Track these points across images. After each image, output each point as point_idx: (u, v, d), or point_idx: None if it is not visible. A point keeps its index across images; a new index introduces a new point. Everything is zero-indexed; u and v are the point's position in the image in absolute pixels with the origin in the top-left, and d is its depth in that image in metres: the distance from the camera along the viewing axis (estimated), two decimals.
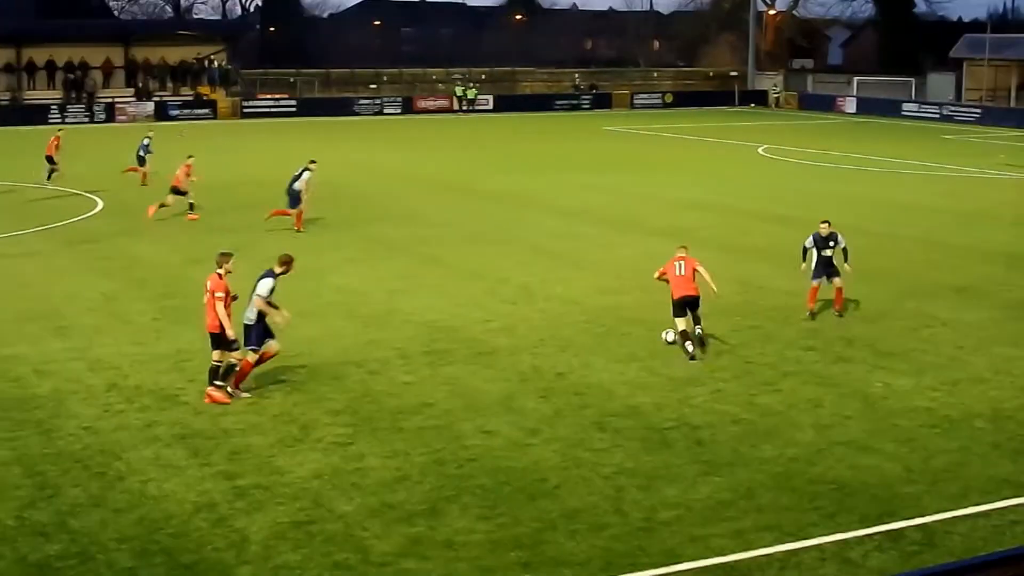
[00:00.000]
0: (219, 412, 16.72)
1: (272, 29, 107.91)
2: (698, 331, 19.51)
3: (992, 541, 12.63)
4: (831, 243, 21.90)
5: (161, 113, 70.11)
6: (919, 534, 12.88)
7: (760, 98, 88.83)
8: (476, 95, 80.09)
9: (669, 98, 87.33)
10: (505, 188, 40.40)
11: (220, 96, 73.96)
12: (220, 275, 17.19)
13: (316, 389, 17.79)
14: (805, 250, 22.19)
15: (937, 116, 77.32)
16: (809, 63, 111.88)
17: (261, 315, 17.38)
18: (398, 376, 18.54)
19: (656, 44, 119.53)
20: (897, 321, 22.05)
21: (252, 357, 17.41)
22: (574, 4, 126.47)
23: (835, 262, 21.90)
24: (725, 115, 77.96)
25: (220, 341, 17.11)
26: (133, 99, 71.80)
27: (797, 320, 21.91)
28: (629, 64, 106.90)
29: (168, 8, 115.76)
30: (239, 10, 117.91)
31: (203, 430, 16.02)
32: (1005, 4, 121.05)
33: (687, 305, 19.42)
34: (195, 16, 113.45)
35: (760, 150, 54.05)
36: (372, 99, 79.56)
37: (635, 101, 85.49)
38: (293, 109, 75.35)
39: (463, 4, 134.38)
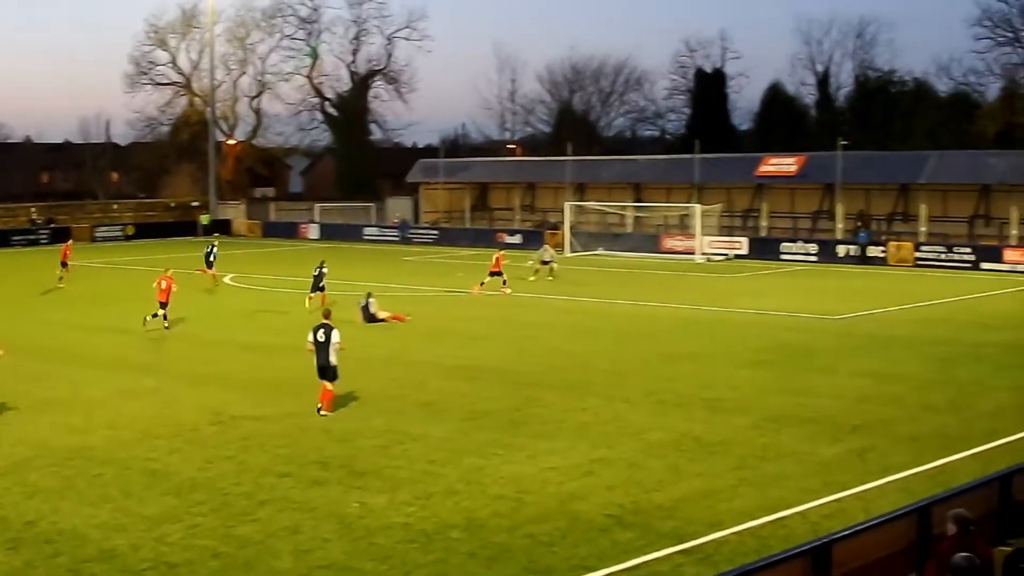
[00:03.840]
0: None
1: None
2: None
3: None
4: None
5: None
6: None
7: (224, 228, 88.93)
8: None
9: (131, 230, 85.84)
10: None
11: None
12: None
13: None
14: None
15: (397, 238, 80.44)
16: (271, 191, 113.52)
17: None
18: None
19: (115, 176, 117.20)
20: (369, 440, 22.40)
21: None
22: (28, 137, 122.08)
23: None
24: (189, 245, 77.33)
25: None
26: None
27: (272, 447, 21.81)
28: (88, 196, 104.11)
29: None
30: None
31: None
32: (456, 130, 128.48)
33: None
34: None
35: (227, 279, 53.93)
36: None
37: (96, 234, 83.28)
38: None
39: None
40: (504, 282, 47.25)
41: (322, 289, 42.34)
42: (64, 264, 50.56)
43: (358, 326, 36.93)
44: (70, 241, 54.24)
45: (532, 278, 52.08)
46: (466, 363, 30.87)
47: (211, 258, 49.67)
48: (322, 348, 24.53)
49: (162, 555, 16.04)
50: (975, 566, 9.26)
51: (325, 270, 43.26)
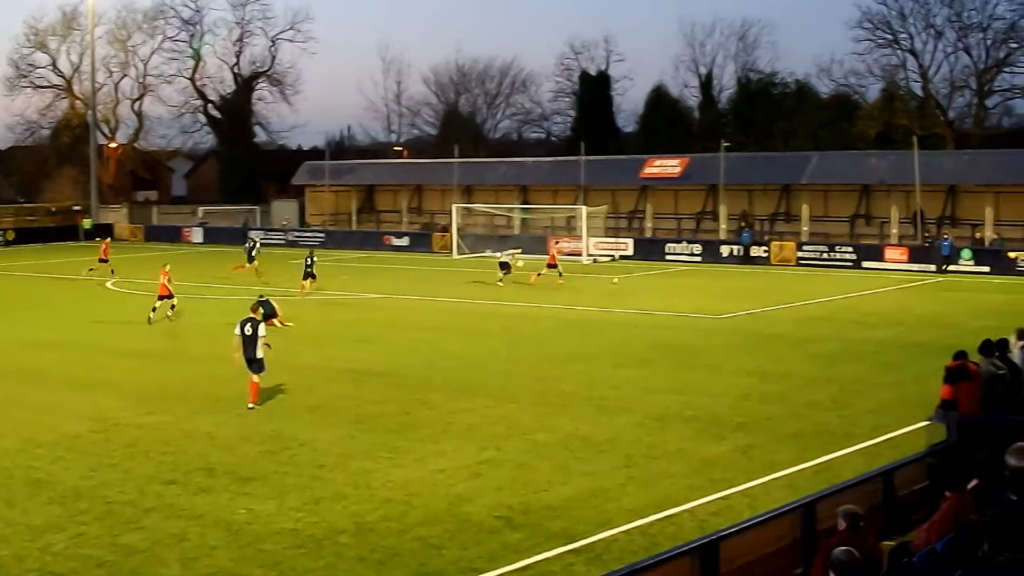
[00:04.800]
0: None
1: None
2: None
3: None
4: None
5: None
6: None
7: (106, 232, 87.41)
8: None
9: (11, 235, 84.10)
10: None
11: None
12: None
13: None
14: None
15: (283, 242, 79.78)
16: (153, 195, 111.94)
17: None
18: None
19: None
20: (256, 445, 22.17)
21: None
22: None
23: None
24: (71, 250, 75.98)
25: None
26: None
27: (157, 454, 21.50)
28: None
29: None
30: None
31: None
32: (342, 132, 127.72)
33: None
34: None
35: (109, 284, 53.06)
36: None
37: None
38: None
39: None
40: (560, 274, 51.91)
41: (313, 277, 47.45)
42: None
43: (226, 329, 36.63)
44: None
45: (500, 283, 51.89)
46: (353, 366, 30.71)
47: (253, 253, 52.81)
48: (249, 341, 25.47)
49: (47, 565, 15.73)
50: (854, 560, 9.40)
51: (315, 259, 48.87)
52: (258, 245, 54.21)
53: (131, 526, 17.37)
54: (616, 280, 53.70)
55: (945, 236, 60.90)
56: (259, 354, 25.46)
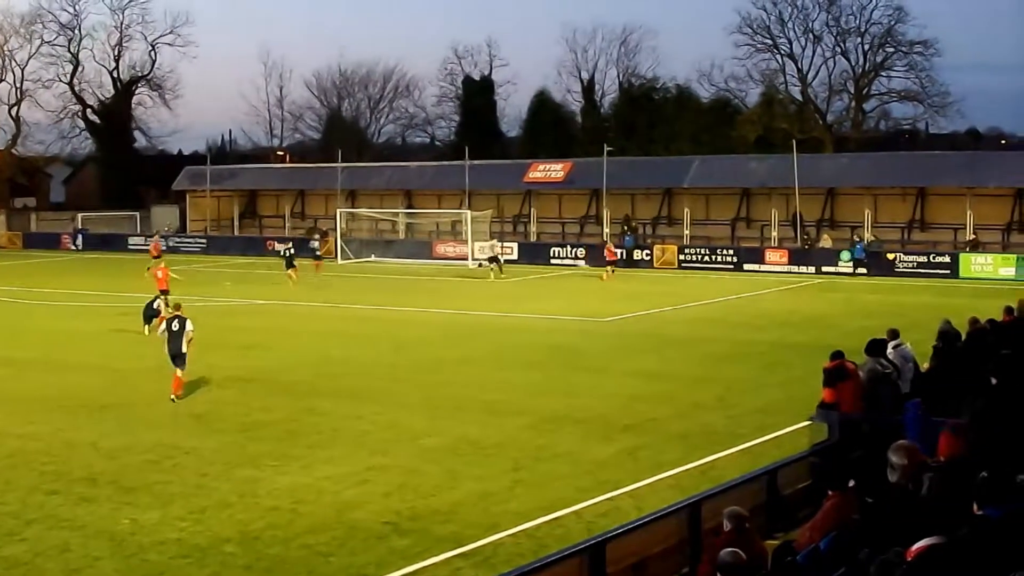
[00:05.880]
0: None
1: None
2: None
3: None
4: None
5: None
6: None
7: None
8: None
9: None
10: None
11: None
12: None
13: None
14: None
15: (163, 248, 78.66)
16: (32, 201, 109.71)
17: None
18: None
19: None
20: (139, 455, 21.83)
21: None
22: None
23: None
24: None
25: None
26: None
27: (39, 464, 21.09)
28: None
29: None
30: None
31: None
32: (224, 137, 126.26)
33: None
34: None
35: None
36: None
37: None
38: None
39: None
40: (613, 270, 58.74)
41: (295, 266, 53.68)
42: None
43: (119, 334, 36.04)
44: None
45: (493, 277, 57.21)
46: (239, 373, 30.37)
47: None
48: (175, 337, 27.00)
49: None
50: (741, 561, 9.55)
51: (292, 251, 56.61)
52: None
53: (13, 538, 17.02)
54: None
55: (857, 239, 61.44)
56: (184, 349, 26.83)
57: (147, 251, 76.38)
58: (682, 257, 63.96)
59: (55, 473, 20.57)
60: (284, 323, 41.19)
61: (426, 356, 33.32)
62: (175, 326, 27.16)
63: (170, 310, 34.69)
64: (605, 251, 61.06)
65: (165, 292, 40.08)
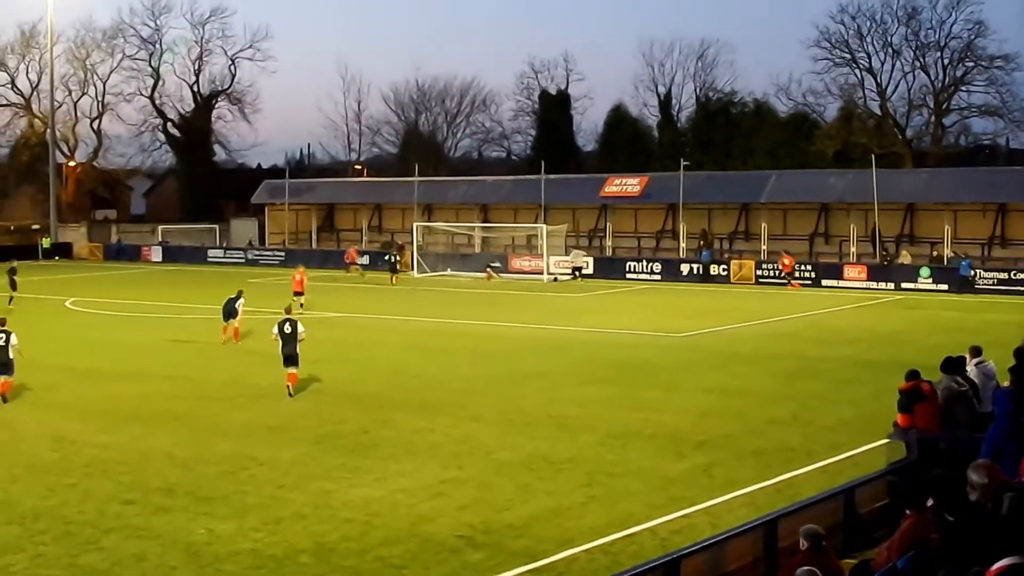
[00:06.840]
0: None
1: None
2: None
3: None
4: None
5: None
6: None
7: (66, 251, 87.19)
8: None
9: None
10: None
11: None
12: None
13: None
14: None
15: (243, 260, 79.56)
16: (113, 214, 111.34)
17: None
18: None
19: None
20: (214, 465, 22.00)
21: None
22: None
23: None
24: (31, 269, 75.35)
25: None
26: None
27: (116, 474, 21.32)
28: None
29: None
30: None
31: None
32: (302, 151, 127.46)
33: None
34: None
35: (68, 303, 52.69)
36: None
37: None
38: None
39: None
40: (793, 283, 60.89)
41: (397, 271, 62.67)
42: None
43: (193, 345, 36.38)
44: None
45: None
46: (312, 385, 30.52)
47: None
48: (289, 339, 28.94)
49: None
50: None
51: (397, 256, 65.66)
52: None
53: (90, 547, 17.19)
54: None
55: (964, 256, 60.50)
56: (298, 349, 28.85)
57: (225, 263, 77.59)
58: (759, 272, 63.51)
59: (131, 483, 20.78)
60: (356, 336, 41.35)
61: (499, 370, 33.32)
62: (287, 329, 29.02)
63: (298, 309, 36.48)
64: (783, 259, 62.68)
65: (299, 294, 46.86)
